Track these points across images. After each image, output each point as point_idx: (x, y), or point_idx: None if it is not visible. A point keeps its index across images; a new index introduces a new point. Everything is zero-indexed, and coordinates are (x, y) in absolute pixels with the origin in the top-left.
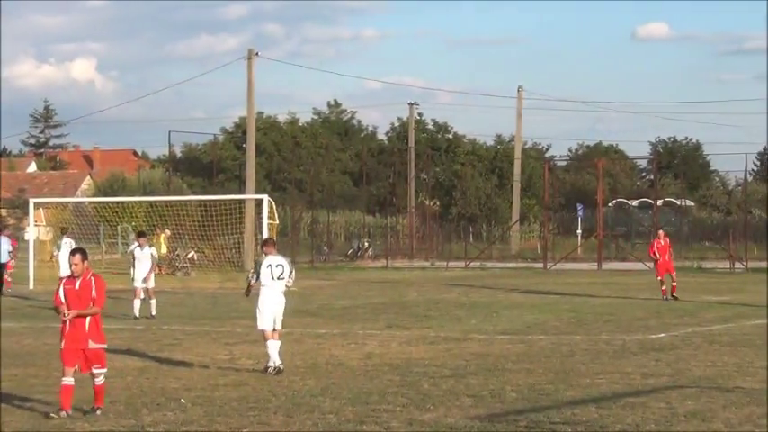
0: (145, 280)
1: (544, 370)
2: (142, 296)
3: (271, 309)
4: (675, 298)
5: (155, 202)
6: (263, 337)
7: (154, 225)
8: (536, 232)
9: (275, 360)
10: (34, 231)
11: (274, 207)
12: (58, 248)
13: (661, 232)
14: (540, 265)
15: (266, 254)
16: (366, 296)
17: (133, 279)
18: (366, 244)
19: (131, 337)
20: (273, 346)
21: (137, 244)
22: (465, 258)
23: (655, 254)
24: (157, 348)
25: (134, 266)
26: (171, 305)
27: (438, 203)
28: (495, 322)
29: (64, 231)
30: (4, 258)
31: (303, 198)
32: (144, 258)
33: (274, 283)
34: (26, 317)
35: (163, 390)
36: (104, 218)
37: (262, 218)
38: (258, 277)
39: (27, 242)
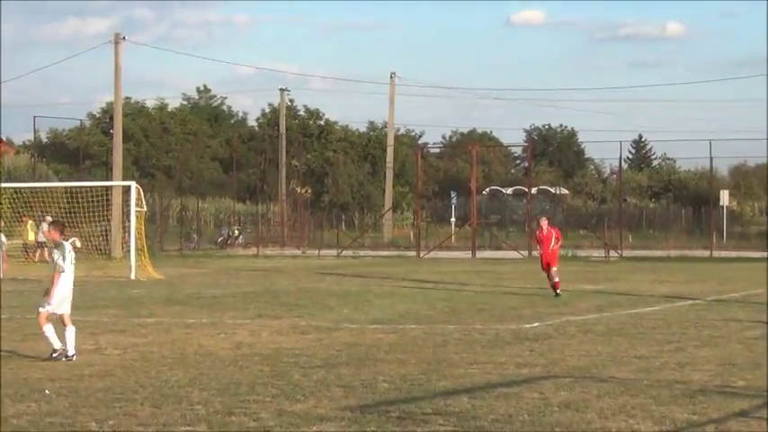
0: None
1: (416, 360)
2: None
3: (68, 294)
4: (557, 295)
5: (19, 188)
6: (49, 322)
7: (19, 212)
8: (409, 220)
9: (72, 348)
10: None
11: (142, 194)
12: None
13: (543, 221)
14: (414, 253)
15: (65, 238)
16: (236, 285)
17: None
18: (236, 232)
19: None
20: (71, 332)
21: None
22: (337, 246)
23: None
24: (21, 338)
25: None
26: (36, 294)
27: (310, 191)
28: (367, 311)
29: None
30: None
31: (172, 185)
32: None
33: (71, 267)
34: None
35: (26, 380)
36: None
37: (129, 205)
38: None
39: None
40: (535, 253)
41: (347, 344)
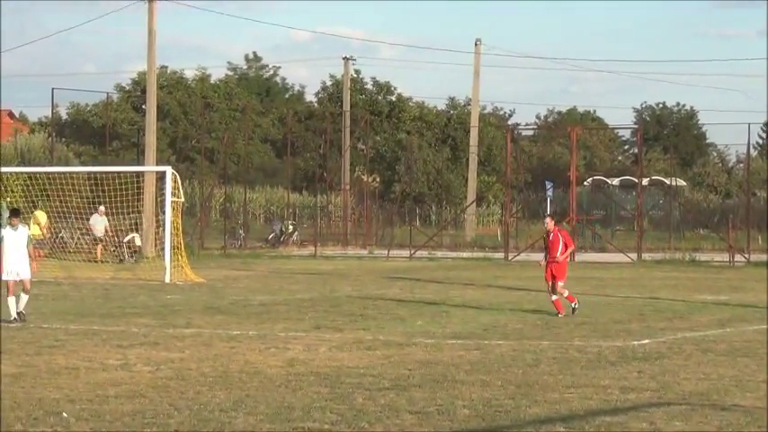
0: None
1: (503, 382)
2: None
3: None
4: (573, 309)
5: (35, 173)
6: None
7: (33, 201)
8: (496, 215)
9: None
10: None
11: (179, 181)
12: None
13: (548, 221)
14: (501, 255)
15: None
16: (289, 290)
17: (6, 271)
18: (290, 227)
19: (3, 336)
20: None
21: (8, 226)
22: (410, 246)
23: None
24: (35, 351)
25: (4, 252)
26: (52, 299)
27: (378, 179)
28: (445, 324)
29: None
30: None
31: (215, 171)
32: (17, 242)
33: None
34: None
35: (41, 401)
36: None
37: (164, 194)
38: None
39: None
40: (647, 256)
41: (421, 362)
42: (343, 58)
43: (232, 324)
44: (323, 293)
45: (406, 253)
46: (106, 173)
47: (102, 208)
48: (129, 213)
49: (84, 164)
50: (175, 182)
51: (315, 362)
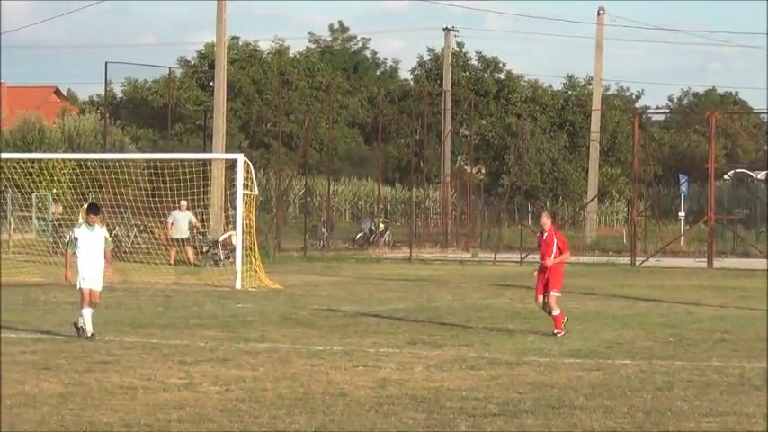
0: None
1: (629, 408)
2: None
3: None
4: (555, 333)
5: (85, 161)
6: None
7: (83, 193)
8: (621, 213)
9: None
10: None
11: (253, 171)
12: None
13: (544, 216)
14: (627, 259)
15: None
16: (380, 299)
17: (81, 278)
18: (382, 225)
19: (50, 350)
20: None
21: (83, 225)
22: (520, 249)
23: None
24: (85, 367)
25: (78, 256)
26: (105, 307)
27: (483, 171)
28: (562, 340)
29: None
30: None
31: (294, 159)
32: (94, 245)
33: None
34: None
35: (92, 425)
36: (13, 182)
37: (235, 186)
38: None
39: None
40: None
41: (533, 384)
42: (444, 29)
43: (313, 338)
44: (419, 303)
45: (515, 256)
46: (167, 161)
47: (184, 202)
48: (193, 209)
49: (141, 150)
50: (248, 172)
51: (410, 383)
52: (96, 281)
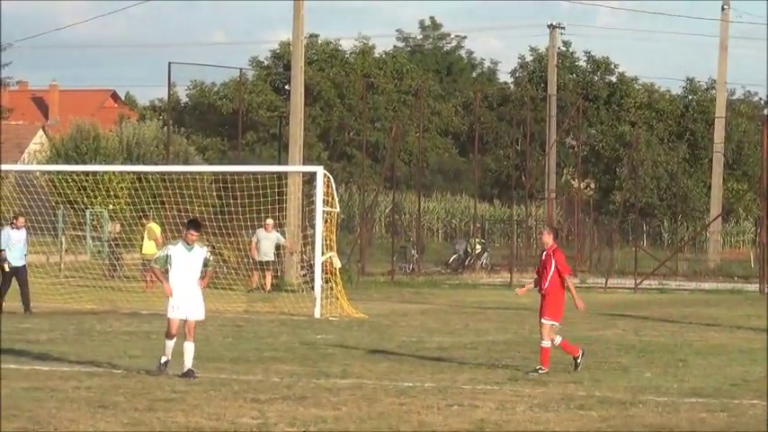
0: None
1: None
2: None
3: None
4: (576, 365)
5: (145, 173)
6: None
7: (143, 209)
8: (749, 234)
9: None
10: None
11: (333, 186)
12: (8, 241)
13: (545, 234)
14: (755, 286)
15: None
16: (477, 330)
17: (171, 306)
18: (478, 247)
19: (106, 386)
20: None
21: (179, 243)
22: (635, 274)
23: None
24: (146, 405)
25: (166, 280)
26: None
27: (593, 185)
28: (682, 377)
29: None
30: None
31: (379, 172)
32: (191, 267)
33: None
34: None
35: None
36: (65, 197)
37: (314, 203)
38: None
39: None
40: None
41: (650, 427)
42: (549, 26)
43: (402, 373)
44: (520, 334)
45: (629, 282)
46: (238, 174)
47: (269, 221)
48: (275, 229)
49: (209, 161)
50: (328, 186)
51: (511, 424)
52: (192, 309)
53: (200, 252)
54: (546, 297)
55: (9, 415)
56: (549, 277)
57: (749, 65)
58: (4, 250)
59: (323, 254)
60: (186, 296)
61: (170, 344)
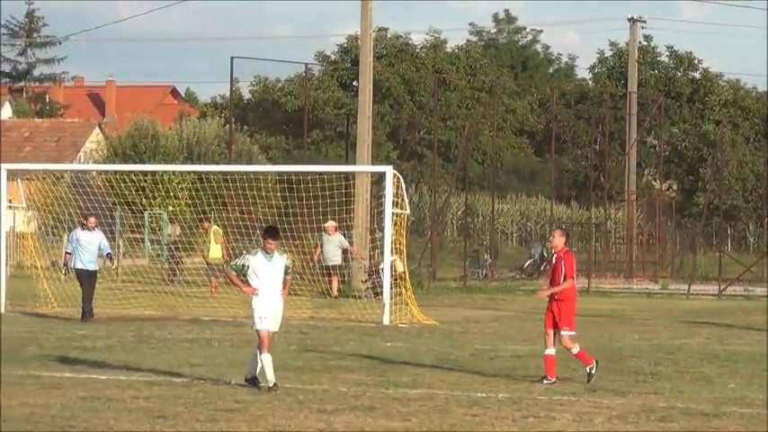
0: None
1: None
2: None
3: None
4: (589, 375)
5: (206, 173)
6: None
7: (204, 211)
8: None
9: None
10: (7, 217)
11: (403, 187)
12: (76, 243)
13: (556, 235)
14: None
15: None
16: None
17: (259, 317)
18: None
19: (166, 395)
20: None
21: (258, 252)
22: (719, 279)
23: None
24: (208, 416)
25: (245, 284)
26: (231, 345)
27: (675, 187)
28: None
29: (86, 218)
30: None
31: (451, 173)
32: (273, 277)
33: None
34: None
35: None
36: (123, 198)
37: (382, 203)
38: None
39: None
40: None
41: None
42: (629, 20)
43: (475, 383)
44: (599, 343)
45: (713, 288)
46: (303, 174)
47: (331, 223)
48: (338, 232)
49: (273, 161)
50: (398, 187)
51: None
52: (274, 321)
53: (281, 260)
54: (558, 303)
55: (65, 425)
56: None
57: None
58: (70, 253)
59: (390, 258)
60: (271, 306)
61: (267, 359)
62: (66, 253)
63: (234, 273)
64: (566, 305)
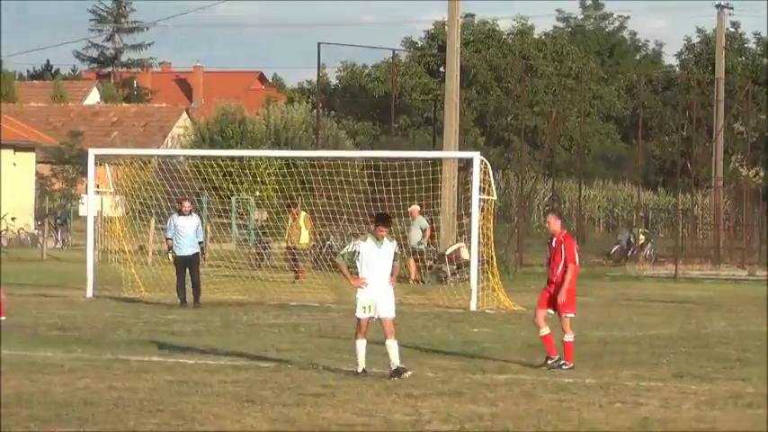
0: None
1: None
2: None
3: None
4: (558, 364)
5: (294, 159)
6: None
7: (291, 197)
8: None
9: None
10: (95, 202)
11: (491, 173)
12: (174, 230)
13: (551, 218)
14: None
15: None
16: (640, 324)
17: (362, 306)
18: (642, 237)
19: (253, 380)
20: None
21: (369, 238)
22: None
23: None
24: (295, 400)
25: (352, 275)
26: (317, 330)
27: (763, 174)
28: None
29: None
30: None
31: (538, 159)
32: (382, 264)
33: None
34: (81, 342)
35: None
36: (210, 183)
37: (470, 189)
38: None
39: (82, 219)
40: None
41: None
42: (717, 6)
43: (561, 369)
44: (686, 329)
45: None
46: (390, 160)
47: (416, 206)
48: (420, 214)
49: (360, 146)
50: (485, 173)
51: (676, 422)
52: (384, 307)
53: (390, 246)
54: (559, 286)
55: (154, 409)
56: (561, 266)
57: None
58: (170, 239)
59: (478, 244)
60: (378, 294)
61: (361, 345)
62: (167, 239)
63: (344, 262)
64: (568, 287)
